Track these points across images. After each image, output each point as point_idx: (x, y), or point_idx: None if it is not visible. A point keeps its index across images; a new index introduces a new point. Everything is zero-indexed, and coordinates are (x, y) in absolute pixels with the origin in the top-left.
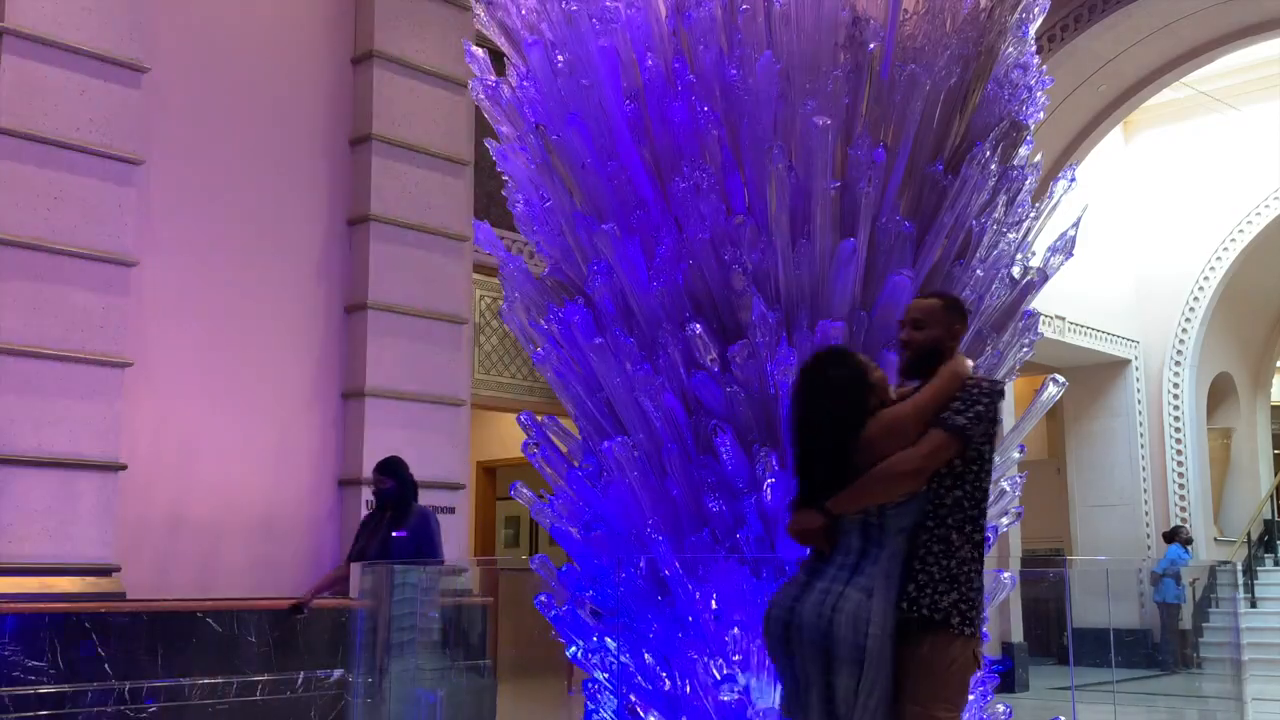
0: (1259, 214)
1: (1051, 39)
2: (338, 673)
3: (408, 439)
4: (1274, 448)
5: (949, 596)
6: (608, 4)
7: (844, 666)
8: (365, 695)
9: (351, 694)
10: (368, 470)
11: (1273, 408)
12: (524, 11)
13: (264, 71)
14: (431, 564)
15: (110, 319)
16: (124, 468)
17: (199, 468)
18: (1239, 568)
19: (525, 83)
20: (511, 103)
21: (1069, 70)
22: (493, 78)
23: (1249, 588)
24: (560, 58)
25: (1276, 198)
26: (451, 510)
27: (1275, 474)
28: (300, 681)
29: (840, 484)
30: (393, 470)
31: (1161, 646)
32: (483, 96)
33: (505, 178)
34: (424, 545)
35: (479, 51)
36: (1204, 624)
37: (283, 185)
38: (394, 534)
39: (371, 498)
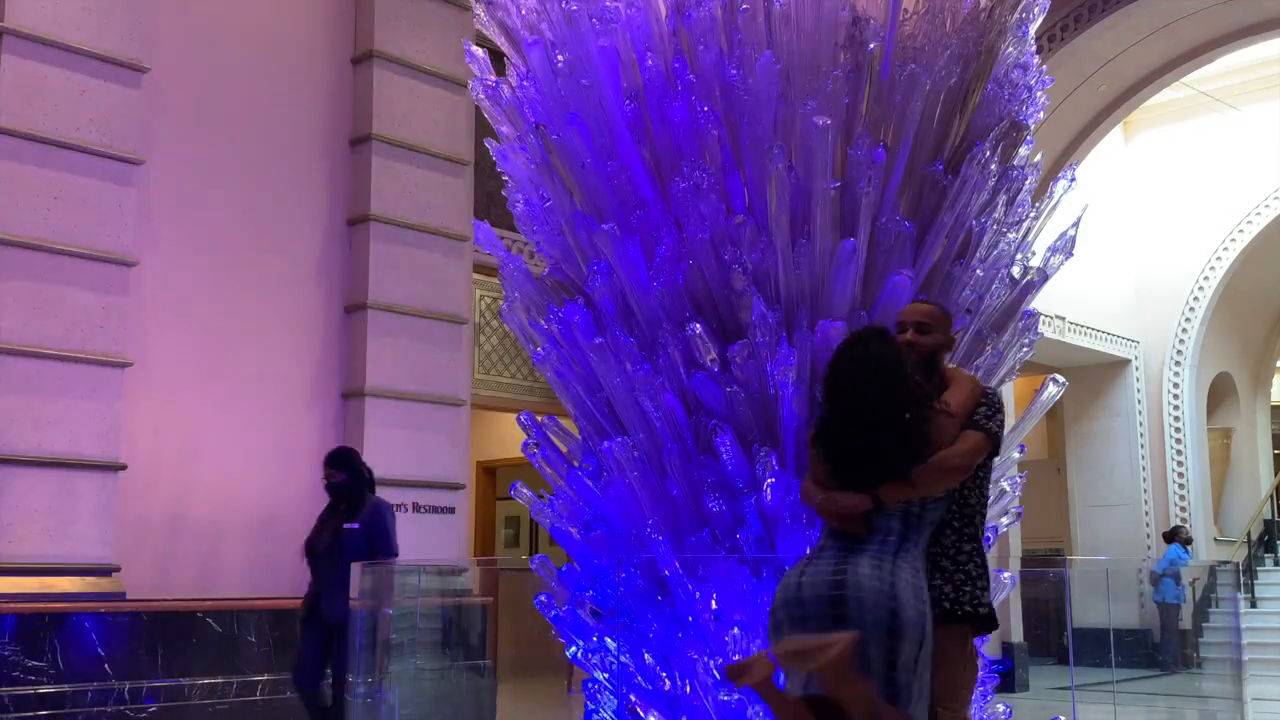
0: (1259, 214)
1: (1051, 39)
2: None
3: (407, 439)
4: (1274, 448)
5: (988, 594)
6: (608, 4)
7: (910, 631)
8: (365, 695)
9: (351, 694)
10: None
11: (1273, 408)
12: (524, 11)
13: (264, 71)
14: (385, 560)
15: (110, 319)
16: (124, 468)
17: (199, 468)
18: (1239, 568)
19: (525, 83)
20: (511, 103)
21: (1069, 70)
22: (493, 78)
23: (1249, 588)
24: (560, 58)
25: (1276, 198)
26: (451, 510)
27: (1275, 474)
28: None
29: (883, 470)
30: (344, 462)
31: (1161, 646)
32: (483, 96)
33: (505, 178)
34: (377, 538)
35: (479, 51)
36: (1204, 624)
37: (283, 185)
38: (345, 526)
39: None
